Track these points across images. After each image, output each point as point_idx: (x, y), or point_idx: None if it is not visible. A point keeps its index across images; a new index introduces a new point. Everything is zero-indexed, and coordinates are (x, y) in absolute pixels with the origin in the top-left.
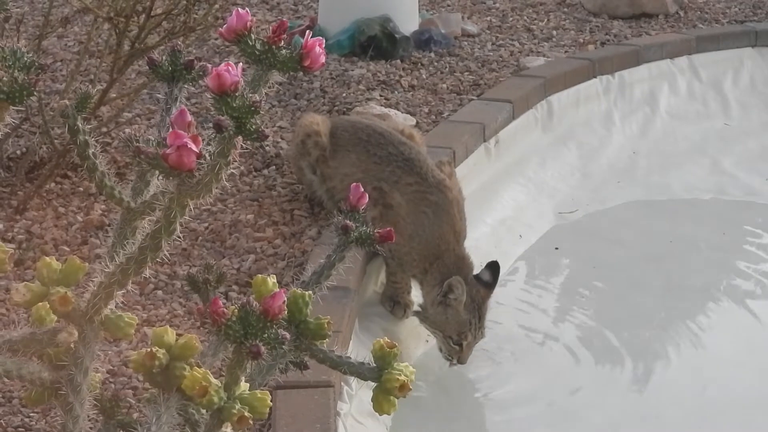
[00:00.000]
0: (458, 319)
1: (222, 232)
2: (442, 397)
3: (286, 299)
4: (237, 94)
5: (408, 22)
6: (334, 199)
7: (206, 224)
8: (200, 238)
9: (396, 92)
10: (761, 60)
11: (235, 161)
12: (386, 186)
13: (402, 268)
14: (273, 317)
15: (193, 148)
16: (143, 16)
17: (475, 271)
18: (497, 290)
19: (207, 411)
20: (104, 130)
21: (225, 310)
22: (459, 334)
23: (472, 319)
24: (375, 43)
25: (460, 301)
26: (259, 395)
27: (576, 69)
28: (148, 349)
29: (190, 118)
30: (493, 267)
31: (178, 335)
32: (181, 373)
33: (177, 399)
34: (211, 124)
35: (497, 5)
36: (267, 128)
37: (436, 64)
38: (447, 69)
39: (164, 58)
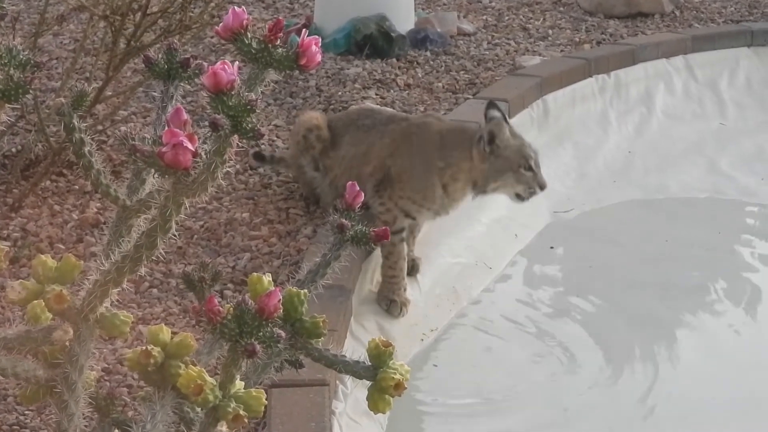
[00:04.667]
0: (514, 149)
1: (217, 230)
2: (438, 397)
3: (281, 298)
4: (233, 93)
5: (404, 21)
6: (338, 190)
7: (202, 222)
8: (196, 236)
9: (392, 91)
10: (757, 60)
11: (231, 160)
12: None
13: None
14: (268, 316)
15: (189, 146)
16: (139, 14)
17: None
18: (492, 289)
19: (202, 409)
20: (100, 128)
21: (220, 308)
22: (524, 158)
23: (523, 141)
24: (371, 41)
25: (507, 138)
26: (254, 394)
27: (572, 68)
28: (144, 348)
29: (186, 116)
30: (491, 105)
31: (174, 333)
32: (176, 371)
33: (172, 397)
34: (207, 123)
35: (493, 4)
36: (263, 127)
37: (431, 62)
38: (443, 68)
39: (160, 56)
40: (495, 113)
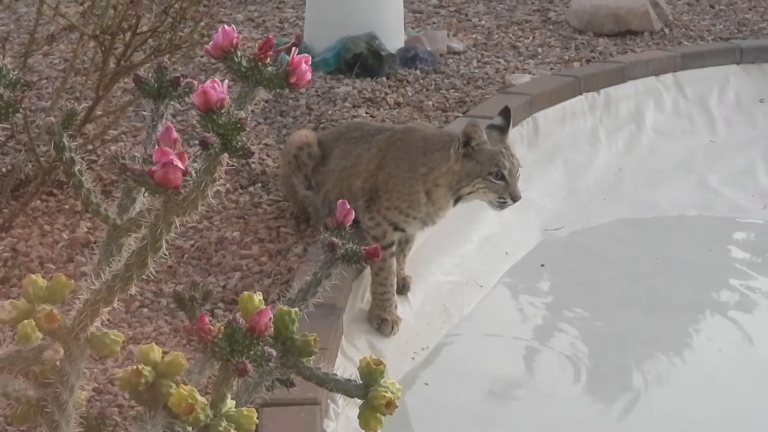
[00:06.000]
0: (487, 155)
1: (208, 249)
2: (429, 415)
3: (272, 316)
4: (223, 111)
5: (394, 40)
6: (331, 206)
7: (192, 241)
8: (186, 255)
9: (382, 109)
10: (746, 77)
11: (221, 178)
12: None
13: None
14: (259, 334)
15: (179, 165)
16: (129, 33)
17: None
18: (482, 307)
19: (193, 428)
20: (90, 147)
21: (211, 327)
22: (495, 164)
23: (500, 149)
24: (361, 60)
25: (483, 142)
26: (245, 412)
27: (561, 86)
28: (135, 367)
29: (176, 135)
30: (505, 112)
31: (164, 353)
32: (167, 390)
33: (163, 417)
34: (197, 141)
35: (483, 23)
36: (253, 145)
37: (421, 81)
38: (433, 86)
39: (150, 75)
40: (497, 120)
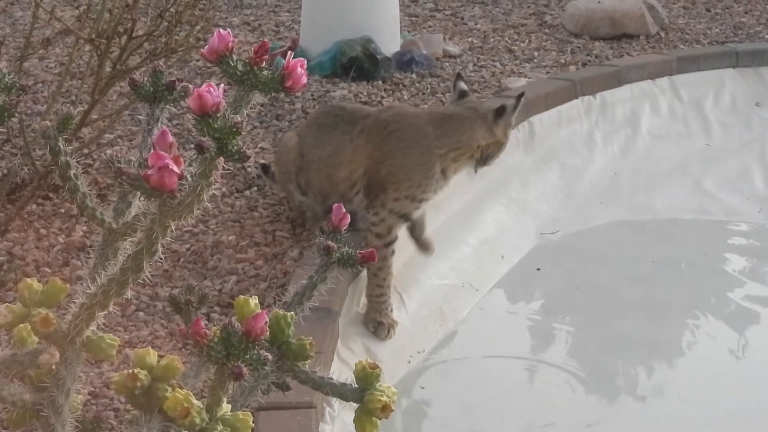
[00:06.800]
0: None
1: (204, 253)
2: (424, 419)
3: (268, 320)
4: (218, 115)
5: (389, 44)
6: (318, 199)
7: (188, 245)
8: (182, 259)
9: None
10: (742, 80)
11: (217, 182)
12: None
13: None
14: (255, 338)
15: (175, 169)
16: (125, 37)
17: None
18: (479, 311)
19: None
20: (86, 151)
21: (207, 331)
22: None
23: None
24: (357, 64)
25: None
26: (241, 416)
27: (557, 90)
28: (130, 371)
29: (171, 139)
30: (519, 97)
31: (160, 356)
32: (163, 394)
33: (159, 420)
34: (192, 145)
35: (479, 26)
36: (249, 149)
37: (417, 85)
38: (428, 90)
39: (146, 79)
40: (462, 84)
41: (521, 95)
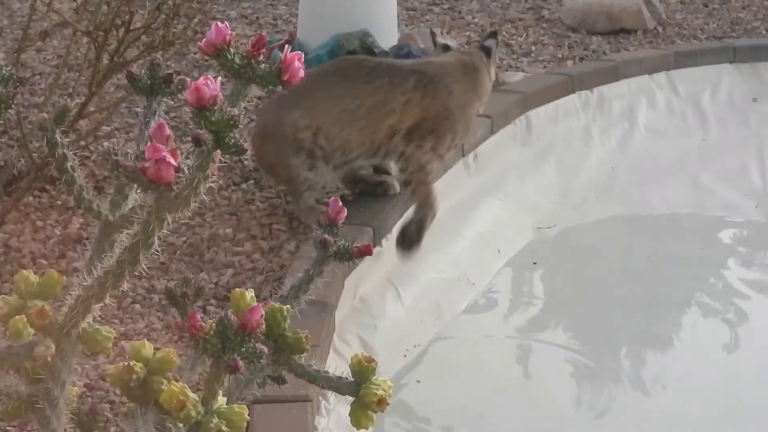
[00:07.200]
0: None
1: (200, 246)
2: (421, 412)
3: (264, 313)
4: (216, 108)
5: (387, 37)
6: (335, 157)
7: (184, 238)
8: (178, 252)
9: None
10: (739, 76)
11: (214, 175)
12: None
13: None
14: (251, 331)
15: (172, 161)
16: (122, 30)
17: None
18: (475, 305)
19: (184, 425)
20: (83, 143)
21: (203, 324)
22: None
23: None
24: None
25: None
26: (236, 409)
27: (555, 84)
28: (126, 363)
29: (168, 131)
30: (493, 35)
31: (156, 349)
32: (158, 387)
33: (154, 413)
34: (189, 138)
35: (476, 20)
36: (246, 142)
37: None
38: None
39: (143, 71)
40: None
41: (494, 33)
